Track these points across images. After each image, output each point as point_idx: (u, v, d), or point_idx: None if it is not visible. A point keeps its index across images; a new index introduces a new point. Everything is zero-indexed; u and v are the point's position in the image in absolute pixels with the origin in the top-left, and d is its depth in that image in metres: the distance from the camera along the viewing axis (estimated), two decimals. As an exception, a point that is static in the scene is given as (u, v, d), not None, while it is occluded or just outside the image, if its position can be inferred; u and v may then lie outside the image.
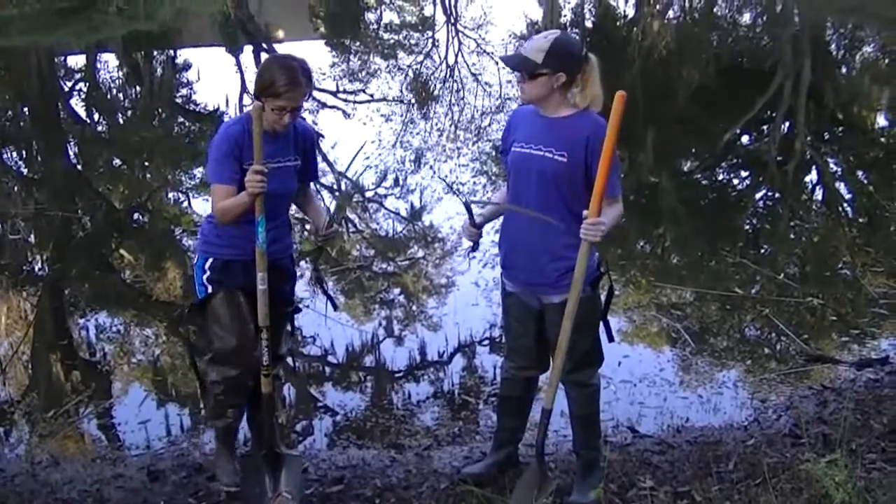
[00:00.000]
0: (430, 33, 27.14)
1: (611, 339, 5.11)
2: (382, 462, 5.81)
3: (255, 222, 4.83)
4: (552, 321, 4.83)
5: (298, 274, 5.63)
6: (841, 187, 12.60)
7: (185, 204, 11.85)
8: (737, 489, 5.20)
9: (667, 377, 7.00)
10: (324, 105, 16.37)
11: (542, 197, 4.71)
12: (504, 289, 5.14)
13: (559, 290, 4.75)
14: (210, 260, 5.10)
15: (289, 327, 5.53)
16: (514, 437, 5.49)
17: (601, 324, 5.03)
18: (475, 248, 5.12)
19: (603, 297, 5.03)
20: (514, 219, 4.90)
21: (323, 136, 13.63)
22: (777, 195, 12.31)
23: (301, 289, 7.40)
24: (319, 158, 5.40)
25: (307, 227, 7.21)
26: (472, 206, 4.97)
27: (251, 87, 5.03)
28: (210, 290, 5.09)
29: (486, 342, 7.74)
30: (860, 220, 11.17)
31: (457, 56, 23.12)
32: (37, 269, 9.79)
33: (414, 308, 8.66)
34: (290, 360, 6.87)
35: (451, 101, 18.22)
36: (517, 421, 5.44)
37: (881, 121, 16.45)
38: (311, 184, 5.59)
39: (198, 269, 5.17)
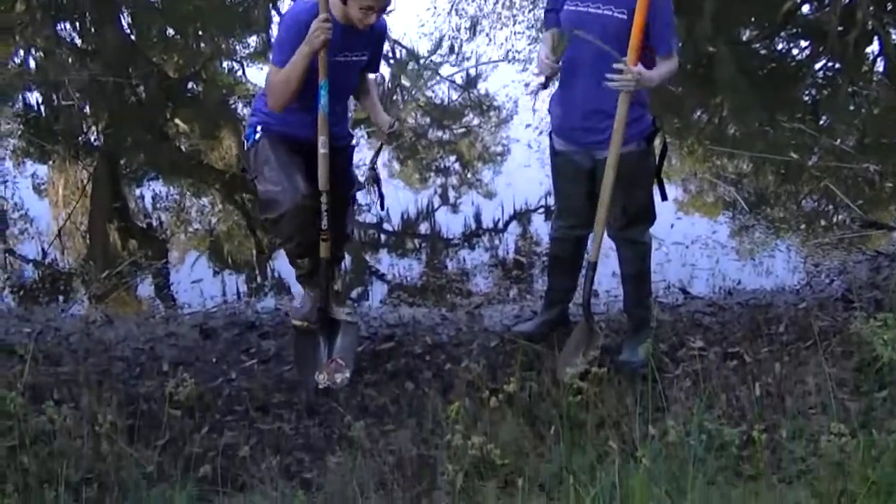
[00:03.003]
0: None
1: (664, 197, 5.06)
2: (433, 320, 5.86)
3: (307, 109, 4.82)
4: (604, 175, 4.79)
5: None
6: (902, 57, 12.36)
7: (239, 73, 11.82)
8: (787, 351, 5.19)
9: (719, 240, 6.97)
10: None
11: (601, 56, 4.61)
12: (553, 148, 5.10)
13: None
14: (260, 127, 5.11)
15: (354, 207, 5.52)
16: (565, 297, 5.48)
17: (656, 180, 5.00)
18: (546, 85, 5.00)
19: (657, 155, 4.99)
20: (570, 79, 4.81)
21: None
22: (837, 65, 12.08)
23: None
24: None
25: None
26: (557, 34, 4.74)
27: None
28: (258, 136, 5.11)
29: (540, 204, 7.70)
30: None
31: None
32: (91, 138, 9.83)
33: (468, 172, 8.65)
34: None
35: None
36: (568, 281, 5.43)
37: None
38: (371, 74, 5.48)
39: (250, 131, 5.17)
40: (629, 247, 5.10)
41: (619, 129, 4.57)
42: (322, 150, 4.86)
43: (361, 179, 5.43)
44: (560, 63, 4.73)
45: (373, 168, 5.35)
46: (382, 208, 5.59)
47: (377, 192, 5.47)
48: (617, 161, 4.63)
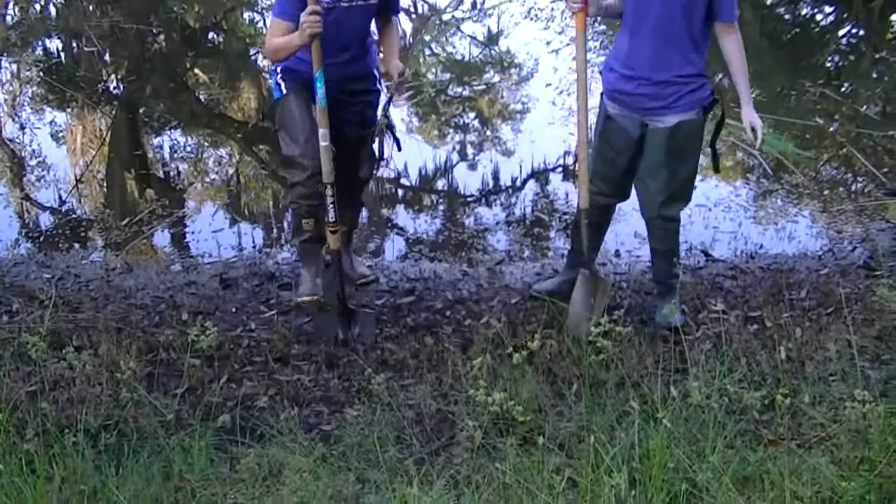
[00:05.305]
0: None
1: (717, 168, 5.08)
2: (454, 276, 5.85)
3: (326, 54, 4.75)
4: (654, 143, 4.79)
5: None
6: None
7: (260, 24, 11.78)
8: (808, 317, 5.16)
9: (742, 203, 6.93)
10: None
11: (664, 25, 4.59)
12: (605, 111, 4.98)
13: (673, 112, 4.71)
14: (280, 68, 5.09)
15: (374, 149, 5.48)
16: (588, 258, 5.41)
17: (711, 150, 4.99)
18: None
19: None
20: (635, 45, 4.73)
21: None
22: (861, 32, 11.99)
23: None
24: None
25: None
26: None
27: None
28: (284, 89, 5.08)
29: (560, 163, 7.69)
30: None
31: None
32: (112, 86, 9.81)
33: (490, 129, 8.62)
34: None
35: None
36: (592, 244, 5.34)
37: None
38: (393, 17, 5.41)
39: (273, 73, 5.18)
40: (664, 224, 5.02)
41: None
42: (323, 142, 4.82)
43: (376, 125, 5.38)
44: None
45: (385, 115, 5.32)
46: (399, 150, 5.55)
47: (392, 137, 5.45)
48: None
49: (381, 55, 5.40)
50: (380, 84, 5.37)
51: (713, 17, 4.62)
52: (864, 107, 8.69)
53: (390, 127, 5.39)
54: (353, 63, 5.09)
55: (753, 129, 4.76)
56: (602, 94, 5.01)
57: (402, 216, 6.97)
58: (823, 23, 12.68)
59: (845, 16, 12.55)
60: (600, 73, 5.02)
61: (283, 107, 5.10)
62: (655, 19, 4.58)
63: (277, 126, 5.18)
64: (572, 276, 5.37)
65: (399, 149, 5.52)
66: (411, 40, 10.60)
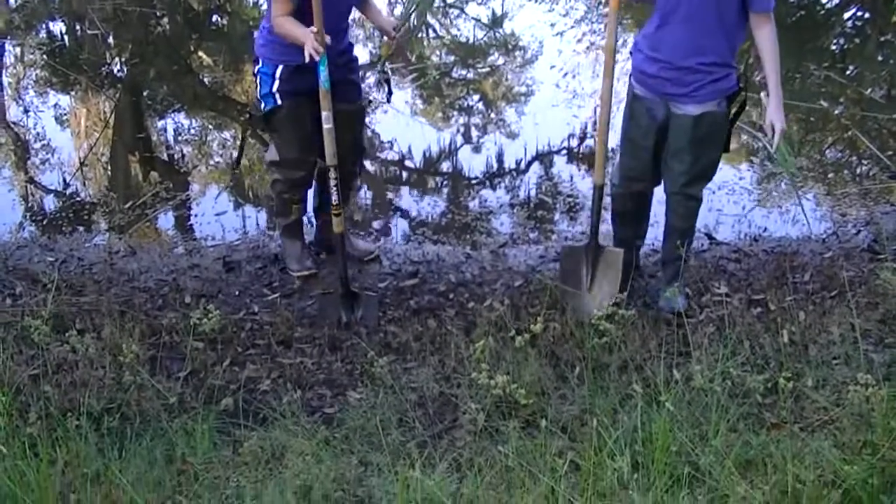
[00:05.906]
0: None
1: (727, 148, 5.01)
2: (457, 258, 5.85)
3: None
4: (678, 130, 4.77)
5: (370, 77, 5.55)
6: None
7: (264, 6, 11.73)
8: (812, 300, 5.16)
9: (746, 186, 6.91)
10: None
11: (696, 13, 4.55)
12: (633, 92, 4.96)
13: (694, 101, 4.69)
14: (281, 68, 5.04)
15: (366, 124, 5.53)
16: (632, 244, 5.39)
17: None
18: None
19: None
20: (665, 30, 4.70)
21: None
22: (866, 15, 11.94)
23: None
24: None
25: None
26: None
27: None
28: (279, 100, 5.08)
29: (564, 146, 7.68)
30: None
31: None
32: (115, 69, 9.79)
33: (494, 112, 8.60)
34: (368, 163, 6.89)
35: None
36: (630, 229, 5.34)
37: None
38: None
39: (265, 76, 5.11)
40: (684, 202, 5.02)
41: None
42: (326, 125, 4.85)
43: (372, 84, 5.42)
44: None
45: (383, 70, 5.38)
46: (389, 101, 5.66)
47: (387, 90, 5.51)
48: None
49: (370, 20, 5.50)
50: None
51: (747, 6, 4.57)
52: (869, 90, 8.66)
53: (388, 81, 5.48)
54: (347, 34, 5.19)
55: (773, 129, 4.71)
56: (630, 75, 5.00)
57: (405, 199, 6.96)
58: (829, 5, 12.63)
59: (850, -1, 12.52)
60: (632, 52, 5.00)
61: (276, 116, 5.16)
62: (688, 6, 4.55)
63: (274, 130, 5.28)
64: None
65: (389, 100, 5.61)
66: (415, 23, 10.57)
